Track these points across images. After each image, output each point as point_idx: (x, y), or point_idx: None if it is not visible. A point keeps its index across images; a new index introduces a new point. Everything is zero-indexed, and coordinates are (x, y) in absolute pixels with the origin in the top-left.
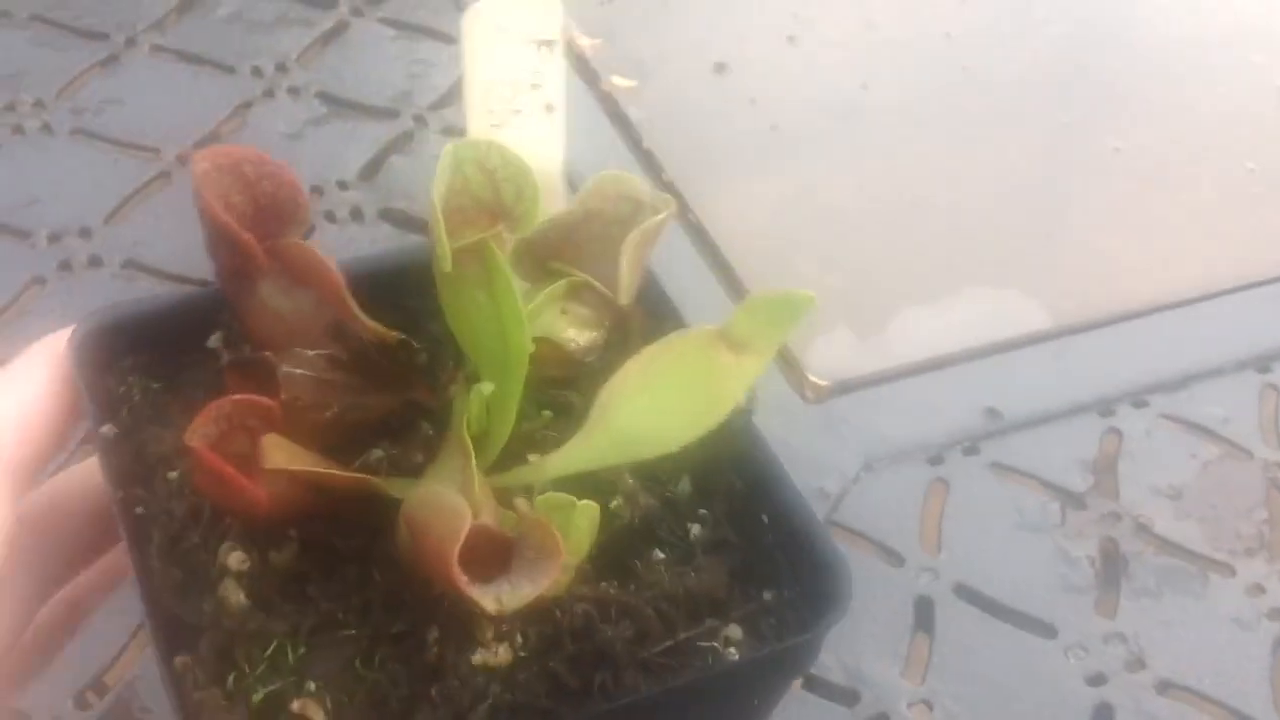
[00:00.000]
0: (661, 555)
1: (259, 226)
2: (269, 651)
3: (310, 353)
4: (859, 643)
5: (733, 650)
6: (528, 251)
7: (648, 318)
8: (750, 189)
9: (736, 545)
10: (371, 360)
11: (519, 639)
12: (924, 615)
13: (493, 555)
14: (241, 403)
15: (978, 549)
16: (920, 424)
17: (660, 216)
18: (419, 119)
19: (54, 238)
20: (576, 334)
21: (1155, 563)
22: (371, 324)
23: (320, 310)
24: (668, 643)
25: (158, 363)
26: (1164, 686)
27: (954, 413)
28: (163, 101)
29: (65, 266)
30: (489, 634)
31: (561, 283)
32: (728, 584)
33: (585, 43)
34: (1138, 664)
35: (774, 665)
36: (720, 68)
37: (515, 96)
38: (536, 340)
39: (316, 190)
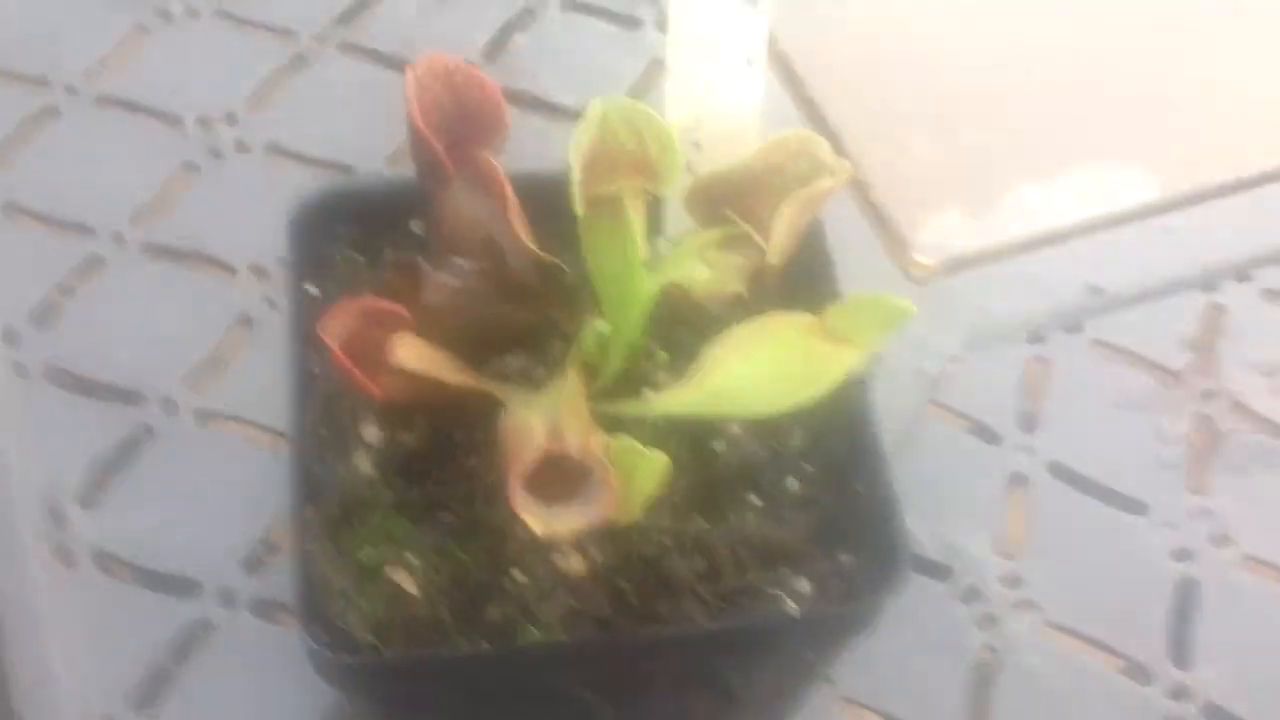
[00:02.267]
0: (756, 501)
1: (461, 131)
2: (379, 519)
3: (464, 262)
4: (953, 519)
5: (791, 604)
6: (703, 194)
7: (800, 277)
8: (864, 60)
9: (827, 505)
10: (519, 277)
11: (595, 553)
12: (1018, 492)
13: (566, 479)
14: (372, 307)
15: (1074, 427)
16: (1023, 302)
17: (829, 183)
18: None
19: (203, 123)
20: (713, 283)
21: (1249, 441)
22: (529, 244)
23: (495, 222)
24: (736, 583)
25: (367, 237)
26: (1249, 562)
27: (1057, 290)
28: None
29: (215, 152)
30: (568, 542)
31: (716, 231)
32: (809, 539)
33: None
34: (1224, 540)
35: (830, 625)
36: None
37: (715, 48)
38: (668, 286)
39: None
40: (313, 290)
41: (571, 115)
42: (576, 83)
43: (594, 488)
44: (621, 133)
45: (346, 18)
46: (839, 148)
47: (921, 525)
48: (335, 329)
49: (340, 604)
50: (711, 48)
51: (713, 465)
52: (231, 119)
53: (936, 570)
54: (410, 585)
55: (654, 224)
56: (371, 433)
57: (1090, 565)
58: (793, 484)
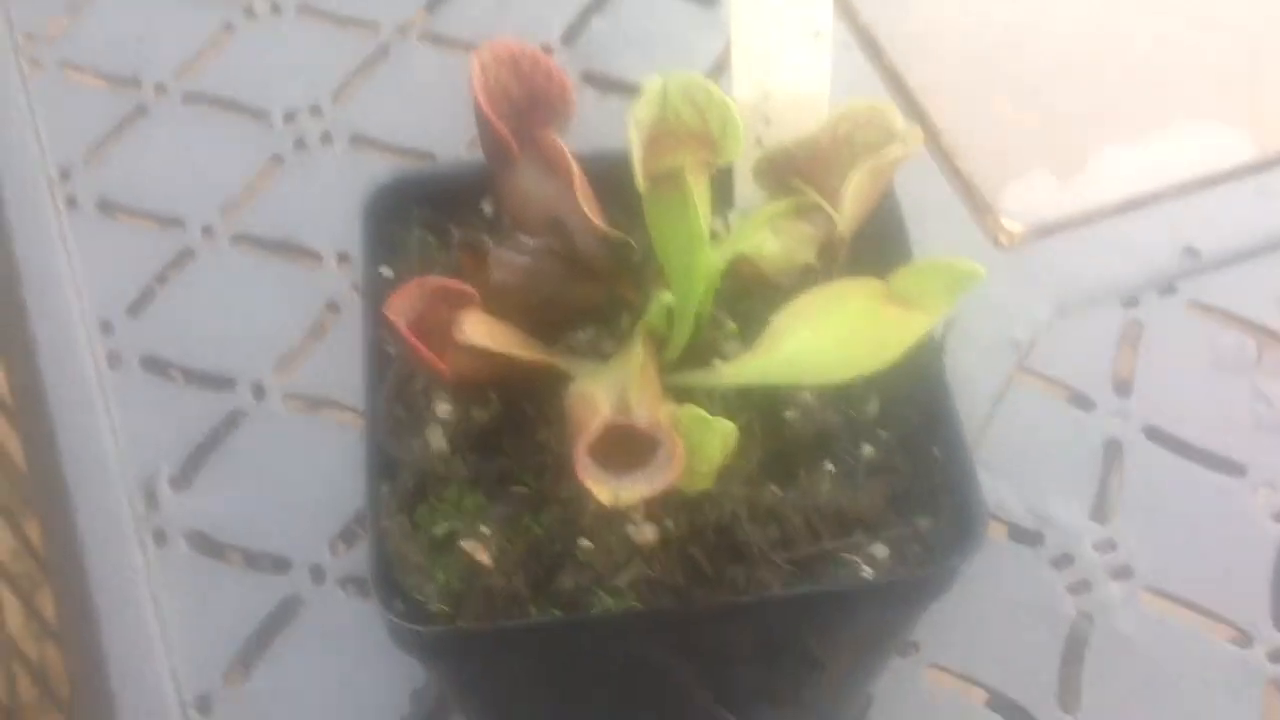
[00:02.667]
0: (831, 468)
1: (529, 115)
2: (453, 493)
3: (530, 240)
4: (1045, 486)
5: (868, 570)
6: (772, 166)
7: (874, 246)
8: (946, 27)
9: (902, 471)
10: (586, 254)
11: (668, 523)
12: (1112, 458)
13: (633, 449)
14: (439, 286)
15: (1170, 390)
16: (1115, 266)
17: (899, 151)
18: None
19: (288, 117)
20: (782, 254)
21: None
22: (596, 221)
23: (562, 200)
24: (810, 550)
25: (440, 220)
26: None
27: (1151, 253)
28: None
29: (300, 145)
30: (640, 512)
31: (785, 202)
32: (884, 505)
33: None
34: None
35: (907, 589)
36: None
37: (781, 18)
38: (736, 258)
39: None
40: (387, 273)
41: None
42: (654, 63)
43: (660, 457)
44: (682, 107)
45: (429, 8)
46: (922, 116)
47: (1013, 492)
48: (402, 308)
49: (416, 577)
50: (777, 20)
51: (786, 434)
52: (316, 111)
53: (1028, 537)
54: (484, 556)
55: (724, 196)
56: (444, 409)
57: (1187, 529)
58: (868, 450)
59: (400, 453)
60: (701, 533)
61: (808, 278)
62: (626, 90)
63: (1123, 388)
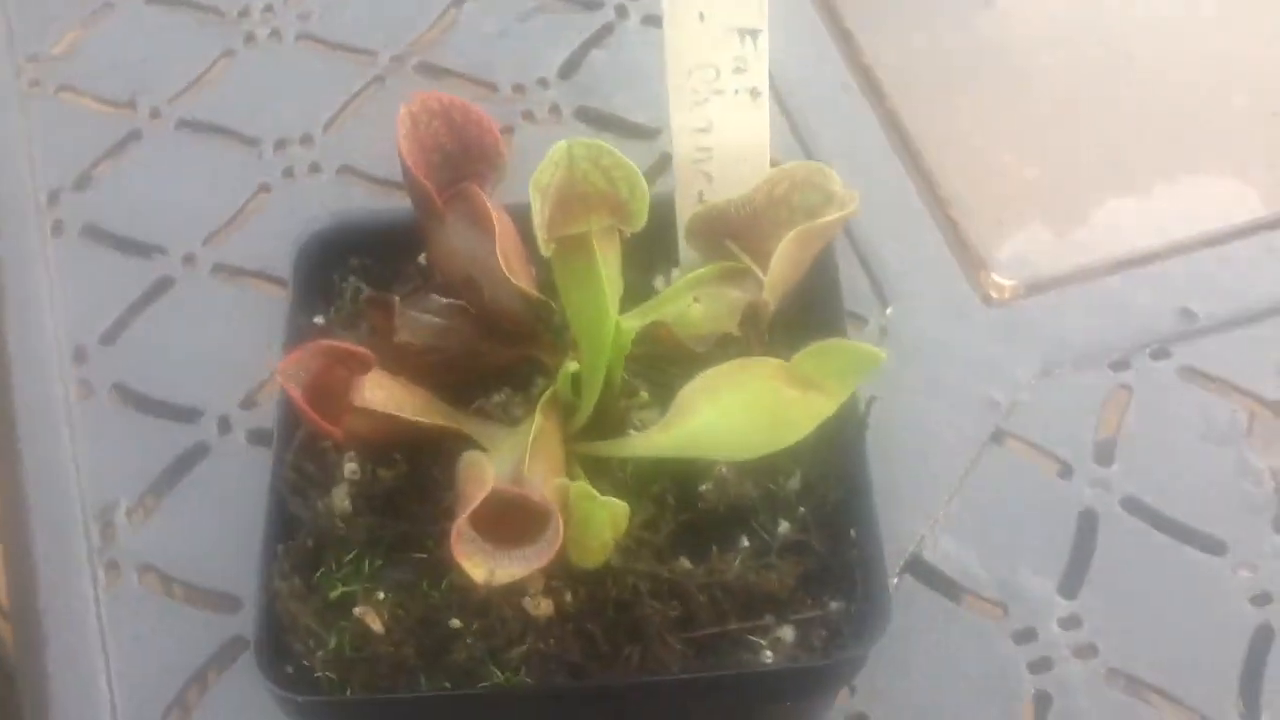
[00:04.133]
0: (745, 544)
1: (462, 167)
2: (352, 556)
3: (442, 299)
4: (1015, 555)
5: (769, 654)
6: (705, 227)
7: (806, 314)
8: (951, 79)
9: (818, 550)
10: (501, 313)
11: (567, 596)
12: (1087, 529)
13: (524, 522)
14: (333, 348)
15: (1154, 461)
16: (1107, 326)
17: (834, 216)
18: (620, 9)
19: (279, 145)
20: (704, 321)
21: None
22: (515, 279)
23: (482, 255)
24: (713, 630)
25: (376, 269)
26: None
27: (1146, 314)
28: (382, 2)
29: (288, 173)
30: (538, 585)
31: (713, 266)
32: (796, 585)
33: None
34: None
35: (806, 678)
36: None
37: (718, 78)
38: (651, 324)
39: (518, 89)
40: (319, 321)
41: (645, 133)
42: (651, 100)
43: (548, 532)
44: (590, 172)
45: (426, 38)
46: (918, 162)
47: (979, 561)
48: (295, 370)
49: (308, 641)
50: (712, 78)
51: (700, 506)
52: (307, 140)
53: (990, 609)
54: (376, 624)
55: (668, 254)
56: (351, 468)
57: (1159, 608)
58: (785, 527)
59: (303, 511)
60: (601, 608)
61: (729, 347)
62: (621, 127)
63: (1104, 455)
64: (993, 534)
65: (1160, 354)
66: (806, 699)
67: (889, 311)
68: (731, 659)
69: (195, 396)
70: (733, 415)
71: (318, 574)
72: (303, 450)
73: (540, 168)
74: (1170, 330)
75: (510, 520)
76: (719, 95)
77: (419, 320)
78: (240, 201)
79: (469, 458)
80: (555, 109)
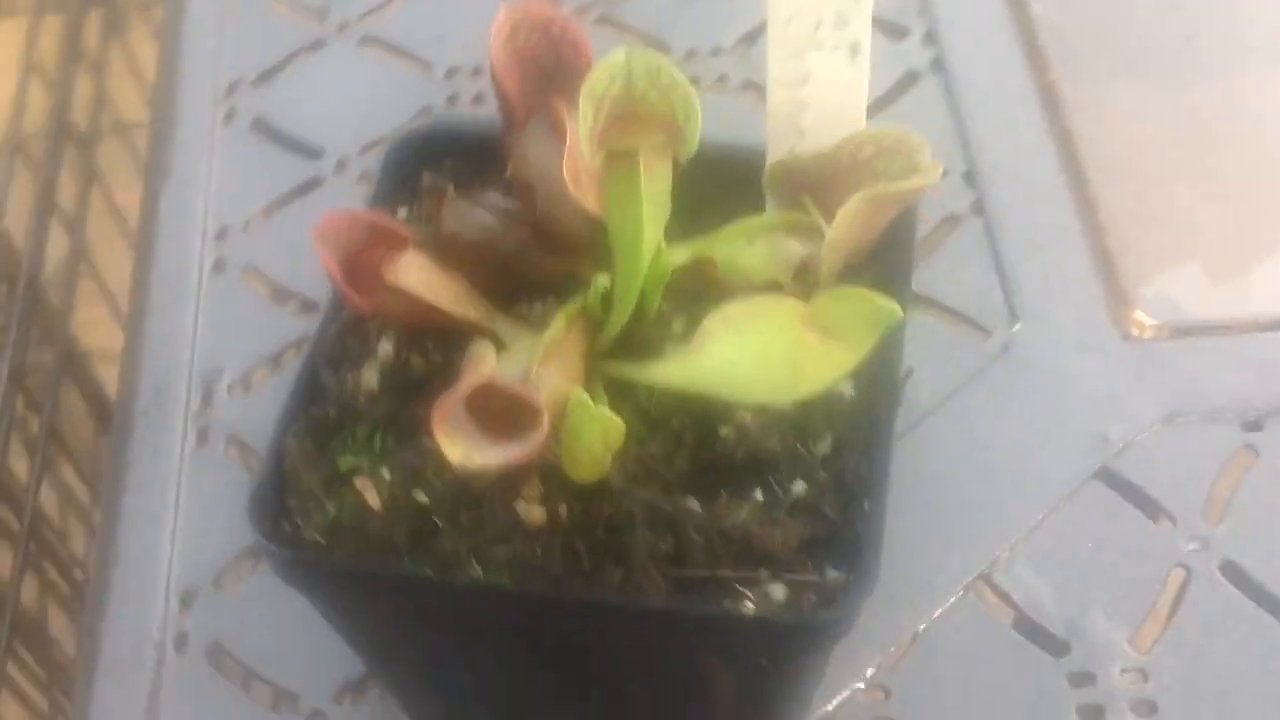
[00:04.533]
0: (759, 497)
1: (555, 81)
2: (367, 430)
3: (501, 200)
4: (1091, 596)
5: (750, 606)
6: (785, 177)
7: (868, 283)
8: (1144, 103)
9: (829, 518)
10: (555, 224)
11: (561, 508)
12: (1177, 585)
13: (512, 419)
14: (372, 221)
15: (1267, 531)
16: (1247, 384)
17: (909, 185)
18: None
19: (450, 73)
20: (756, 267)
21: None
22: (575, 194)
23: (552, 167)
24: (702, 573)
25: (465, 172)
26: None
27: None
28: None
29: (452, 100)
30: (534, 492)
31: (780, 215)
32: (798, 548)
33: None
34: None
35: (784, 633)
36: None
37: (818, 30)
38: (697, 258)
39: (692, 54)
40: (402, 214)
41: None
42: None
43: (534, 431)
44: (646, 88)
45: None
46: (1083, 185)
47: (1051, 595)
48: (333, 237)
49: (306, 503)
50: (813, 31)
51: (717, 450)
52: (478, 72)
53: (1052, 644)
54: (374, 499)
55: (756, 203)
56: (384, 348)
57: (1236, 681)
58: (800, 488)
59: (332, 382)
60: (592, 526)
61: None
62: None
63: (1213, 513)
64: (1073, 570)
65: None
66: (784, 660)
67: (1016, 328)
68: (705, 601)
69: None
70: (751, 353)
71: (333, 443)
72: (346, 326)
73: (595, 75)
74: None
75: (505, 415)
76: (818, 49)
77: (470, 214)
78: (401, 120)
79: (476, 347)
80: (723, 78)
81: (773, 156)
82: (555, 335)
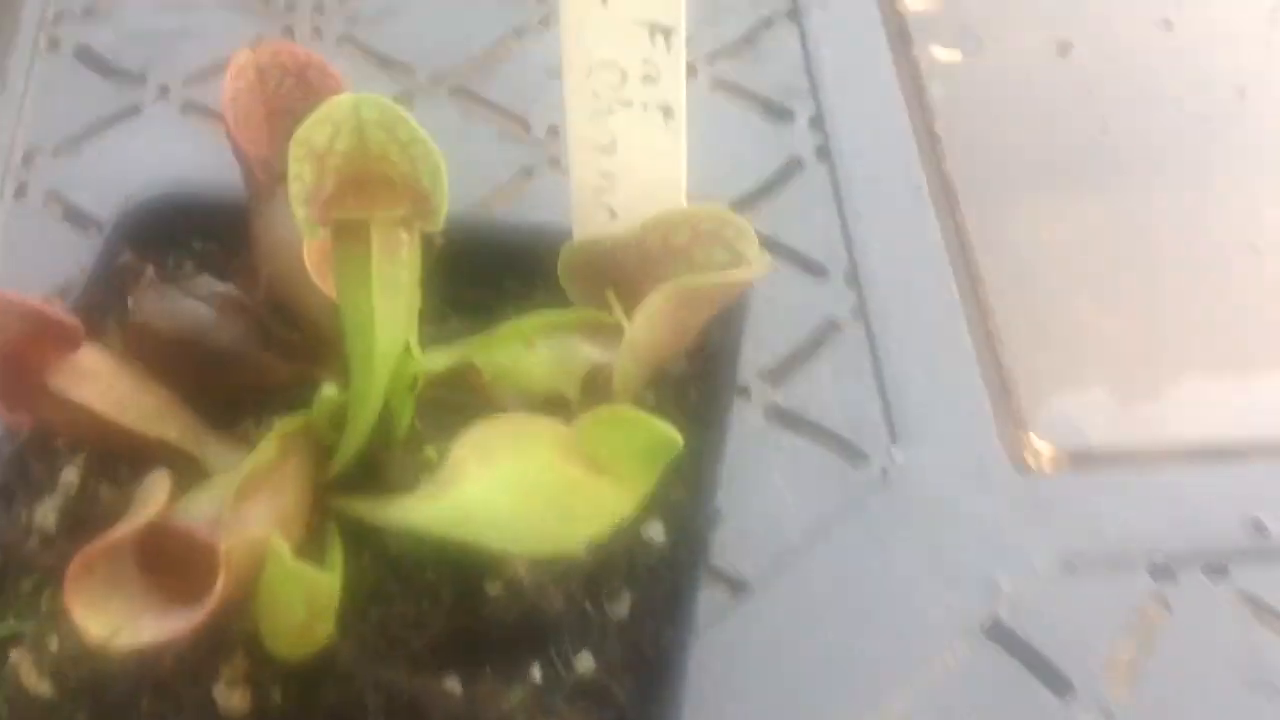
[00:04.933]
0: (535, 674)
1: None
2: (33, 585)
3: (218, 285)
4: None
5: None
6: (584, 265)
7: (680, 397)
8: (1047, 207)
9: (618, 700)
10: (287, 317)
11: (274, 692)
12: None
13: (195, 574)
14: (34, 310)
15: (1182, 700)
16: (1156, 524)
17: (729, 279)
18: None
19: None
20: (542, 376)
21: None
22: (320, 284)
23: (298, 243)
24: None
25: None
26: None
27: (1207, 518)
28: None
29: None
30: (237, 672)
31: (571, 313)
32: None
33: (910, 5)
34: None
35: None
36: (1065, 48)
37: (624, 85)
38: (458, 365)
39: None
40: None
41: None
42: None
43: (211, 589)
44: (387, 145)
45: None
46: (977, 291)
47: None
48: None
49: None
50: (618, 87)
51: (483, 612)
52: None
53: None
54: (35, 678)
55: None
56: (69, 478)
57: None
58: (587, 663)
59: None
60: (312, 716)
61: (561, 415)
62: None
63: (1118, 680)
64: None
65: (1216, 570)
66: None
67: (896, 454)
68: None
69: None
70: (510, 491)
71: None
72: (27, 446)
73: (313, 124)
74: (1233, 544)
75: (185, 571)
76: (625, 107)
77: (175, 301)
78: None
79: (153, 476)
80: None
81: (579, 239)
82: (262, 462)
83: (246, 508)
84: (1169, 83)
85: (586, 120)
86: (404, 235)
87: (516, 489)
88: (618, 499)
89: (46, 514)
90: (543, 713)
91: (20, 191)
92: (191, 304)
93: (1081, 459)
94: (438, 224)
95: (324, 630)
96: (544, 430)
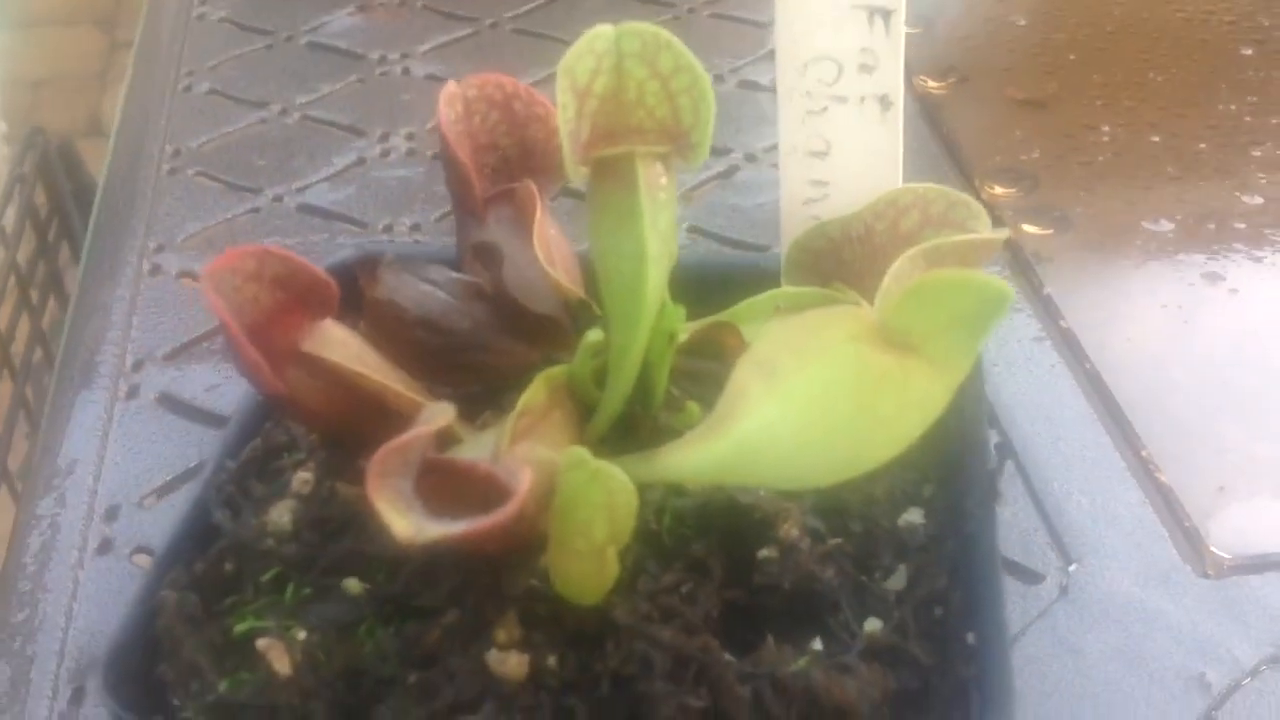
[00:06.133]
0: (816, 643)
1: (518, 165)
2: (274, 579)
3: (453, 273)
4: None
5: None
6: (810, 260)
7: None
8: (1165, 352)
9: (921, 662)
10: (524, 304)
11: (549, 657)
12: None
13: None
14: (279, 256)
15: None
16: None
17: (973, 236)
18: None
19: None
20: None
21: None
22: (556, 276)
23: (518, 247)
24: None
25: None
26: None
27: None
28: None
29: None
30: (512, 636)
31: (812, 290)
32: (882, 702)
33: None
34: None
35: None
36: None
37: (839, 79)
38: (718, 324)
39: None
40: None
41: None
42: None
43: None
44: (645, 82)
45: None
46: (1127, 427)
47: None
48: (228, 283)
49: (191, 679)
50: (833, 82)
51: (756, 580)
52: None
53: None
54: (284, 665)
55: None
56: (303, 478)
57: None
58: (876, 626)
59: (230, 524)
60: (593, 679)
61: None
62: None
63: None
64: None
65: None
66: None
67: (1071, 569)
68: None
69: None
70: (801, 409)
71: (228, 600)
72: (251, 458)
73: (574, 54)
74: None
75: (469, 497)
76: (840, 103)
77: (417, 286)
78: None
79: (433, 406)
80: None
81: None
82: (532, 403)
83: (520, 449)
84: None
85: (798, 124)
86: (663, 174)
87: (808, 409)
88: (931, 386)
89: (282, 514)
90: (838, 671)
91: None
92: (430, 288)
93: (1261, 563)
94: (698, 160)
95: (613, 569)
96: (840, 321)
